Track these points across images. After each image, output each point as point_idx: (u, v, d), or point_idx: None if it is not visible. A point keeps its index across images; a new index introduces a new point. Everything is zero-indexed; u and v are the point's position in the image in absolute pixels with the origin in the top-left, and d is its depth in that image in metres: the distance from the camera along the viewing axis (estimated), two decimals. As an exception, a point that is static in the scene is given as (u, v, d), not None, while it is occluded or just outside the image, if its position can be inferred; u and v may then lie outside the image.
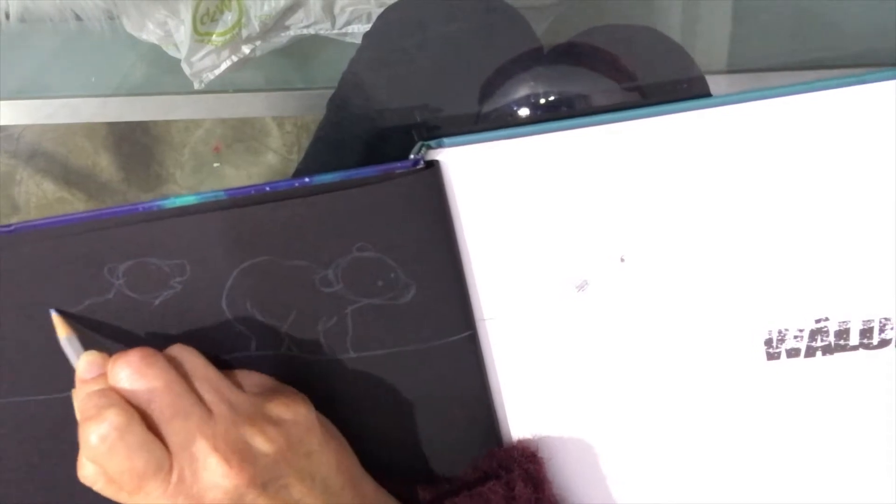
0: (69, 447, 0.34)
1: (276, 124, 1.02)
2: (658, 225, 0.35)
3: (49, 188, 1.04)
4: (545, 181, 0.34)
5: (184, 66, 0.61)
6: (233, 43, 0.61)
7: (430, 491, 0.35)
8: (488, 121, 0.48)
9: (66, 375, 0.33)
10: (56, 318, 0.33)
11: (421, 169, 0.33)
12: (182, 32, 0.59)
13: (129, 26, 0.60)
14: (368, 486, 0.35)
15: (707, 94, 0.52)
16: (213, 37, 0.60)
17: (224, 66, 0.62)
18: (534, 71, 0.51)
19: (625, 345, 0.36)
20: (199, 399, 0.30)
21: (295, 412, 0.32)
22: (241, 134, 1.02)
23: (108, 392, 0.30)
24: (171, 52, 0.62)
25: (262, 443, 0.30)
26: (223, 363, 0.34)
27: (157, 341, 0.34)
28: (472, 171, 0.34)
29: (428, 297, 0.34)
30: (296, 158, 1.03)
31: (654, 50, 0.54)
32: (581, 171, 0.34)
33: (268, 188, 0.33)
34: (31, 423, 0.35)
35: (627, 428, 0.37)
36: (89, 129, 1.04)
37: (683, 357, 0.36)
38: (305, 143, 1.02)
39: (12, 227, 0.32)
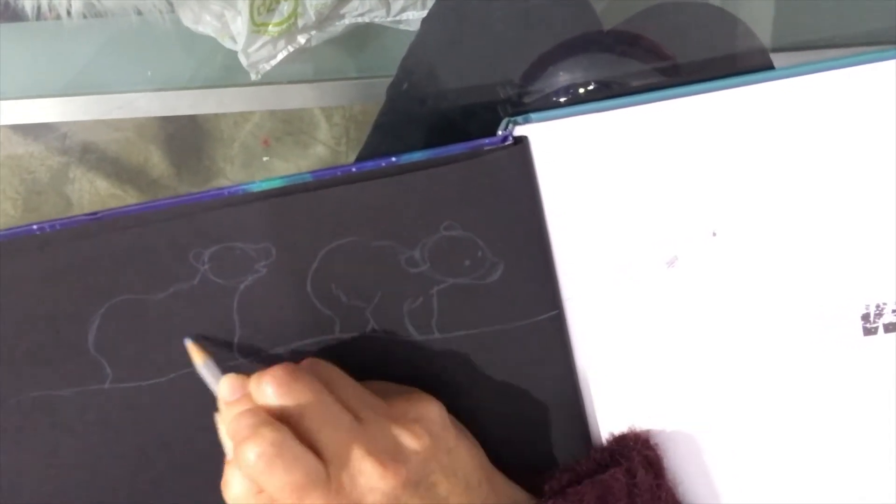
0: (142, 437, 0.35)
1: (324, 116, 1.02)
2: (750, 198, 0.34)
3: (102, 185, 1.06)
4: (634, 155, 0.33)
5: (240, 57, 0.61)
6: (289, 33, 0.61)
7: (555, 481, 0.35)
8: (542, 99, 0.47)
9: (151, 361, 0.33)
10: (191, 346, 0.33)
11: (509, 145, 0.33)
12: (239, 23, 0.59)
13: (187, 19, 0.60)
14: (500, 479, 0.35)
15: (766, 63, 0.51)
16: (270, 27, 0.60)
17: (280, 57, 0.62)
18: (590, 56, 0.50)
19: (717, 322, 0.35)
20: (345, 407, 0.30)
21: (429, 410, 0.32)
22: (290, 127, 1.02)
23: (257, 410, 0.30)
24: (228, 44, 0.62)
25: (410, 441, 0.30)
26: (306, 347, 0.34)
27: (241, 328, 0.34)
28: (560, 146, 0.33)
29: (515, 277, 0.34)
30: (344, 150, 1.03)
31: (715, 27, 0.53)
32: (670, 143, 0.33)
33: (354, 169, 0.32)
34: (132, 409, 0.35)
35: (721, 409, 0.36)
36: (140, 125, 1.05)
37: (778, 333, 0.35)
38: (354, 134, 1.02)
39: (98, 214, 0.32)
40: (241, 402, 0.31)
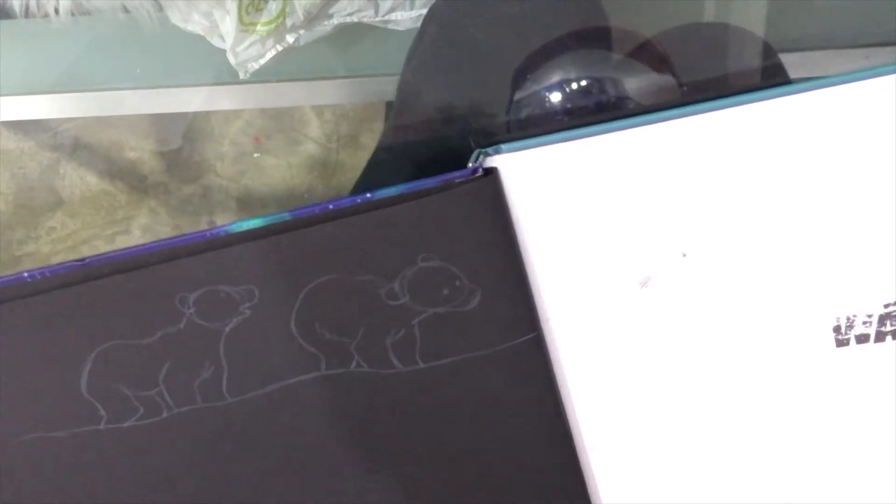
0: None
1: (315, 114, 1.02)
2: (718, 218, 0.34)
3: (92, 181, 1.06)
4: (603, 181, 0.34)
5: (229, 56, 0.61)
6: (277, 32, 0.61)
7: None
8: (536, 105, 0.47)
9: (144, 402, 0.34)
10: None
11: (480, 177, 0.34)
12: (227, 23, 0.59)
13: (175, 18, 0.60)
14: None
15: (783, 81, 0.51)
16: (258, 26, 0.60)
17: (269, 56, 0.62)
18: (588, 53, 0.50)
19: (691, 339, 0.35)
20: None
21: None
22: (281, 124, 1.03)
23: None
24: (216, 42, 0.62)
25: None
26: (293, 385, 0.35)
27: (229, 369, 0.34)
28: (531, 174, 0.34)
29: (493, 303, 0.35)
30: (335, 147, 1.04)
31: (724, 46, 0.53)
32: (638, 169, 0.34)
33: (331, 206, 0.33)
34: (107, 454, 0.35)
35: (696, 423, 0.36)
36: (130, 121, 1.05)
37: (751, 348, 0.35)
38: (345, 131, 1.02)
39: (86, 260, 0.33)
40: None
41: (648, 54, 0.49)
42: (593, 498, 0.37)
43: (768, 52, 0.51)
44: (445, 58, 0.49)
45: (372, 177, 0.52)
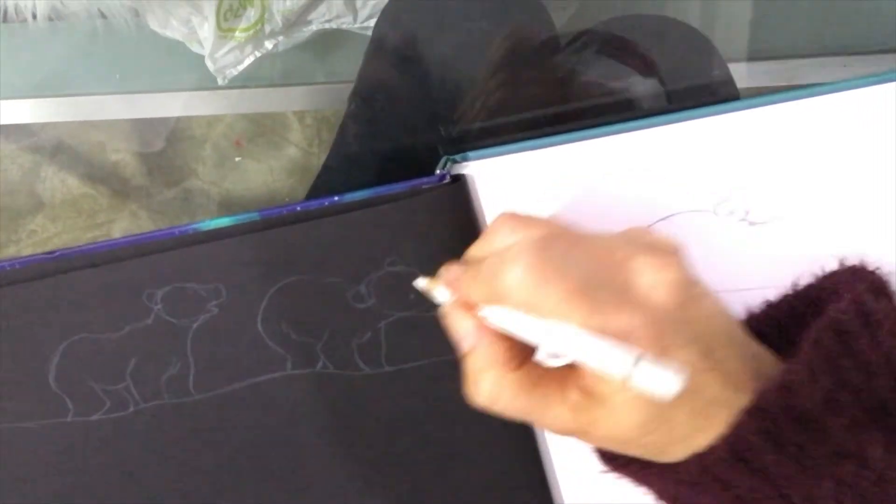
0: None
1: (296, 118, 1.02)
2: (681, 226, 0.35)
3: (73, 184, 1.05)
4: (569, 189, 0.35)
5: (207, 62, 0.61)
6: (256, 38, 0.62)
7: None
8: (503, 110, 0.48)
9: (111, 395, 0.34)
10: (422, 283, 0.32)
11: (448, 183, 0.34)
12: (206, 29, 0.59)
13: (154, 24, 0.60)
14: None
15: (731, 93, 0.52)
16: (237, 33, 0.60)
17: (247, 62, 0.63)
18: (551, 60, 0.51)
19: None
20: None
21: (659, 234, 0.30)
22: (262, 128, 1.03)
23: (500, 254, 0.27)
24: (195, 48, 0.63)
25: (664, 242, 0.28)
26: (259, 384, 0.35)
27: (196, 366, 0.34)
28: (498, 181, 0.35)
29: None
30: (317, 152, 1.04)
31: (679, 42, 0.54)
32: (605, 177, 0.35)
33: (299, 207, 0.34)
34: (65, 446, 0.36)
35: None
36: (111, 124, 1.05)
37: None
38: (326, 136, 1.02)
39: (55, 253, 0.33)
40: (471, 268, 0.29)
41: (631, 56, 0.50)
42: (555, 498, 0.38)
43: (710, 49, 0.51)
44: (402, 62, 0.49)
45: (329, 178, 0.52)
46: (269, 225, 0.34)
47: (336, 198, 0.34)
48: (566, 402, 0.27)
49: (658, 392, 0.23)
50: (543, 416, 0.28)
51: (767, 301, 0.31)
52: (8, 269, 0.33)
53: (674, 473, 0.27)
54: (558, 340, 0.26)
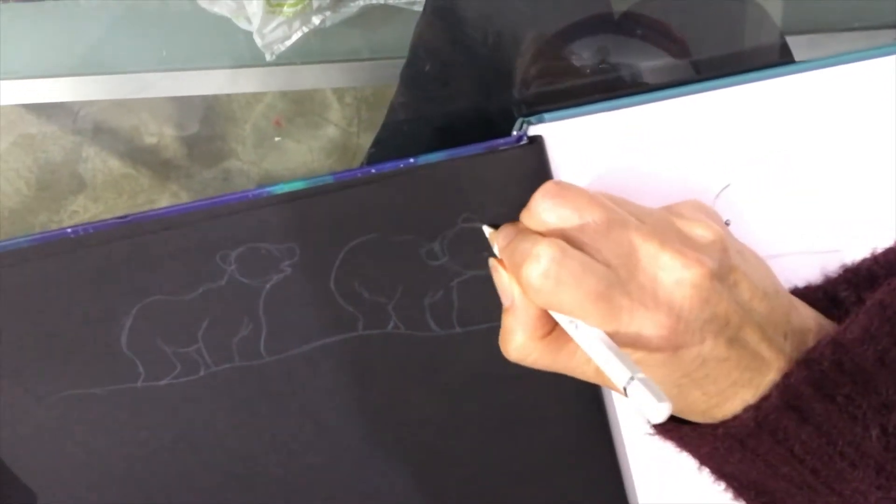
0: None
1: (335, 98, 1.02)
2: (757, 187, 0.34)
3: (114, 164, 1.06)
4: (644, 151, 0.34)
5: (255, 37, 0.61)
6: (304, 14, 0.61)
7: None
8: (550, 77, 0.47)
9: (182, 359, 0.34)
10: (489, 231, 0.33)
11: (524, 144, 0.33)
12: (254, 4, 0.59)
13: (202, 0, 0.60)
14: (788, 294, 0.31)
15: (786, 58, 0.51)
16: (285, 8, 0.60)
17: (295, 38, 0.62)
18: (601, 37, 0.50)
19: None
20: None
21: (706, 208, 0.31)
22: (302, 108, 1.03)
23: (527, 235, 0.28)
24: (243, 24, 0.62)
25: (701, 232, 0.28)
26: (330, 345, 0.35)
27: (268, 327, 0.34)
28: (573, 143, 0.34)
29: None
30: (356, 131, 1.04)
31: (730, 17, 0.53)
32: (680, 138, 0.34)
33: (373, 170, 0.33)
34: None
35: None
36: (152, 104, 1.06)
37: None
38: (365, 115, 1.02)
39: (128, 217, 0.33)
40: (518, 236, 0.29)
41: (673, 44, 0.49)
42: (623, 469, 0.37)
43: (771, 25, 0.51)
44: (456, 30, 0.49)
45: (396, 125, 0.52)
46: (344, 187, 0.33)
47: (411, 160, 0.33)
48: (591, 363, 0.29)
49: (645, 415, 0.24)
50: (571, 372, 0.30)
51: (844, 265, 0.32)
52: (82, 233, 0.33)
53: (724, 429, 0.27)
54: (573, 333, 0.28)
